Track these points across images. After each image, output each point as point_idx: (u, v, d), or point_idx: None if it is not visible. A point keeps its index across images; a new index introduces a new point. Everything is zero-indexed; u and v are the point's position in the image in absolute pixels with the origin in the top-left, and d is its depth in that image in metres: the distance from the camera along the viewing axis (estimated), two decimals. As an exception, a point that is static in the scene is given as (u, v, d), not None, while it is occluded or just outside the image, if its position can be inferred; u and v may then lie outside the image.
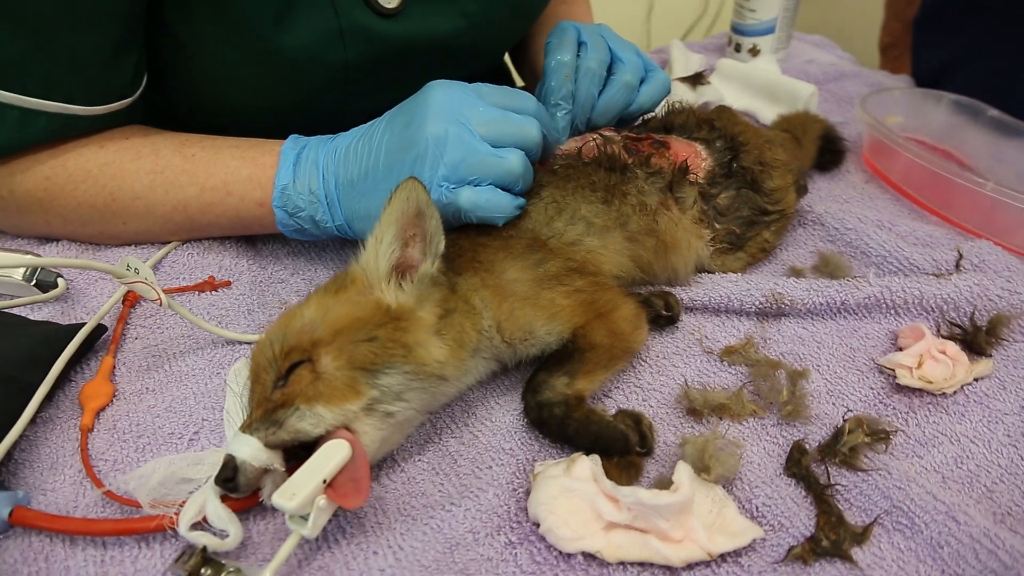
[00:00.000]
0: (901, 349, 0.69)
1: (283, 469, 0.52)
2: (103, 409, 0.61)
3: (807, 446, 0.59)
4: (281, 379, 0.54)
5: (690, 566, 0.50)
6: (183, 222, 0.74)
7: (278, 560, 0.48)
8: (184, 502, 0.51)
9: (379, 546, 0.51)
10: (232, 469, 0.50)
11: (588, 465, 0.54)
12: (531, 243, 0.65)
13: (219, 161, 0.72)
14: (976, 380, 0.67)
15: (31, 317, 0.68)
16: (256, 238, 0.81)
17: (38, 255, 0.72)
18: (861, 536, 0.53)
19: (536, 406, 0.59)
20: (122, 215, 0.73)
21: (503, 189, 0.64)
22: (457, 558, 0.51)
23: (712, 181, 0.78)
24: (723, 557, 0.51)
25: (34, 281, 0.69)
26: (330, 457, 0.50)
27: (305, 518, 0.48)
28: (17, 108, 0.66)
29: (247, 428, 0.52)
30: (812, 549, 0.52)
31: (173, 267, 0.75)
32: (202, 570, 0.48)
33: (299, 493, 0.47)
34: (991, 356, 0.69)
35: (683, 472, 0.52)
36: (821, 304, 0.73)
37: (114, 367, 0.64)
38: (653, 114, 0.87)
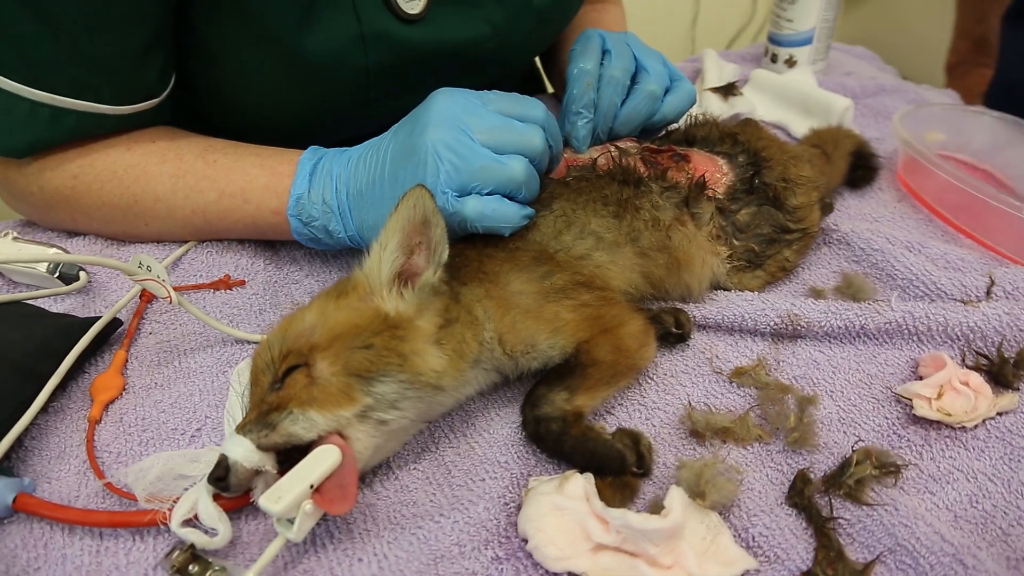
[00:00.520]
0: (921, 378, 0.66)
1: (275, 471, 0.52)
2: (112, 402, 0.62)
3: (812, 475, 0.57)
4: (277, 382, 0.54)
5: (678, 593, 0.49)
6: (202, 225, 0.75)
7: (262, 562, 0.48)
8: (178, 498, 0.52)
9: (365, 553, 0.51)
10: (224, 469, 0.51)
11: (581, 483, 0.53)
12: (537, 255, 0.64)
13: (239, 168, 0.73)
14: (1000, 415, 0.63)
15: (53, 309, 0.70)
16: (275, 239, 0.82)
17: (63, 248, 0.74)
18: (861, 574, 0.51)
19: (533, 420, 0.58)
20: (144, 216, 0.75)
21: (507, 198, 0.63)
22: (441, 570, 0.50)
23: (732, 197, 0.76)
24: (713, 586, 0.49)
25: (57, 273, 0.71)
26: (319, 462, 0.50)
27: (292, 521, 0.49)
28: (48, 107, 0.68)
29: (242, 429, 0.52)
30: (807, 584, 0.50)
31: (192, 264, 0.77)
32: (190, 567, 0.49)
33: (285, 497, 0.48)
34: (1018, 390, 0.66)
35: (675, 497, 0.51)
36: (839, 327, 0.70)
37: (127, 361, 0.66)
38: (676, 125, 0.86)
